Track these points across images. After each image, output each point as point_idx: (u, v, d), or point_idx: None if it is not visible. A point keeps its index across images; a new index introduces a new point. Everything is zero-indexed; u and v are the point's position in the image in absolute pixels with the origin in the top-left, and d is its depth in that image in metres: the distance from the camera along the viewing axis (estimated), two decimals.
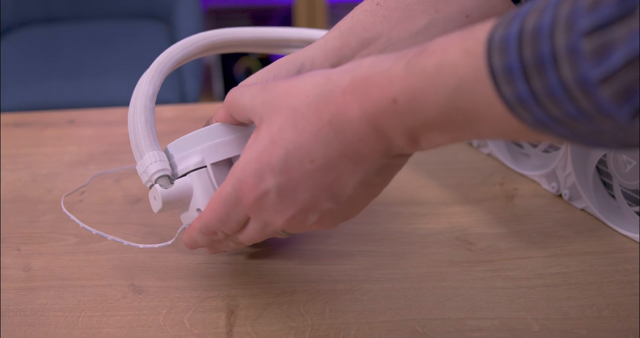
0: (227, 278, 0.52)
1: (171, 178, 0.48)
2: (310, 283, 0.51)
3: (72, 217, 0.52)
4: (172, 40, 1.79)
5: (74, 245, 0.57)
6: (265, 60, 2.16)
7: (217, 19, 2.33)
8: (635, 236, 0.54)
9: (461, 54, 0.34)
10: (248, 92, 0.45)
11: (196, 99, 1.65)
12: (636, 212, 0.55)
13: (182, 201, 0.48)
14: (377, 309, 0.48)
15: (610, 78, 0.28)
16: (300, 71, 0.48)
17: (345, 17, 0.49)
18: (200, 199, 0.48)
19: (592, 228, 0.57)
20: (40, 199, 0.63)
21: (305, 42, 0.63)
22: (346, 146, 0.39)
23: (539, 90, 0.30)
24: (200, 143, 0.48)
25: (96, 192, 0.63)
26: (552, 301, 0.49)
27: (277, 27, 0.63)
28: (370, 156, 0.40)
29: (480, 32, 0.33)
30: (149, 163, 0.47)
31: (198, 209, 0.48)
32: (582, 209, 0.59)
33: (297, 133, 0.40)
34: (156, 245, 0.49)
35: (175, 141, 0.49)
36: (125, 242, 0.49)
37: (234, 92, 0.46)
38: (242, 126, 0.48)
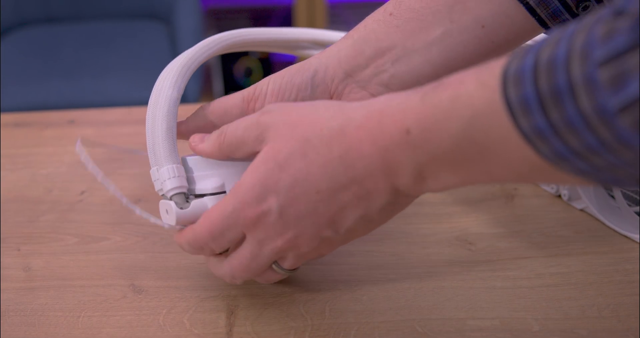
0: None
1: (187, 195, 0.47)
2: (310, 283, 0.51)
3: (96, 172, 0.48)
4: (172, 41, 1.79)
5: (74, 245, 0.57)
6: (265, 60, 2.16)
7: (217, 19, 2.33)
8: (635, 236, 0.54)
9: (476, 86, 0.34)
10: (241, 125, 0.44)
11: (196, 99, 1.65)
12: (636, 212, 0.55)
13: (193, 222, 0.46)
14: (377, 309, 0.48)
15: (629, 107, 0.28)
16: (313, 78, 0.48)
17: (357, 27, 0.49)
18: None
19: (592, 228, 0.57)
20: (40, 199, 0.63)
21: (317, 43, 0.63)
22: (353, 181, 0.40)
23: (557, 121, 0.30)
24: (222, 167, 0.47)
25: (96, 192, 0.63)
26: (552, 301, 0.49)
27: (290, 28, 0.63)
28: (375, 192, 0.40)
29: (496, 66, 0.33)
30: (167, 178, 0.46)
31: None
32: (581, 210, 0.59)
33: (307, 163, 0.40)
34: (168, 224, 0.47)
35: (197, 157, 0.48)
36: (152, 219, 0.47)
37: (225, 130, 0.45)
38: None
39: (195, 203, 0.46)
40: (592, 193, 0.58)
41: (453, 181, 0.37)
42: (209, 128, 0.49)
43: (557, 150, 0.31)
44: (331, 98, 0.49)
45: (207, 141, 0.47)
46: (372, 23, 0.48)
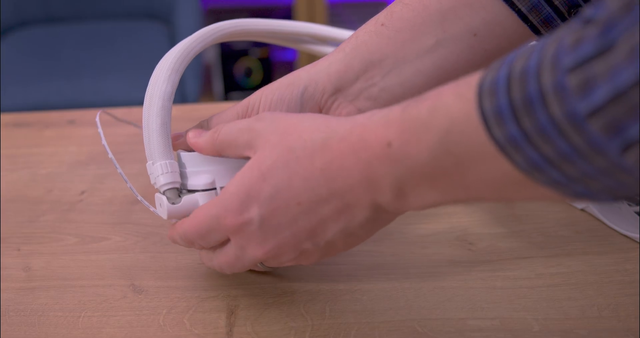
0: (227, 278, 0.52)
1: (180, 189, 0.48)
2: (310, 283, 0.51)
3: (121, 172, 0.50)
4: (172, 40, 1.79)
5: (74, 245, 0.57)
6: (265, 60, 2.16)
7: (217, 19, 2.32)
8: (635, 236, 0.54)
9: (454, 97, 0.34)
10: (236, 127, 0.45)
11: (196, 99, 1.65)
12: (636, 212, 0.55)
13: (185, 216, 0.48)
14: (377, 309, 0.48)
15: (597, 112, 0.28)
16: (303, 94, 0.48)
17: (349, 38, 0.49)
18: None
19: (592, 228, 0.57)
20: (40, 199, 0.63)
21: (310, 35, 0.63)
22: (334, 195, 0.40)
23: (529, 129, 0.30)
24: (215, 163, 0.48)
25: (96, 192, 0.63)
26: (552, 301, 0.49)
27: (283, 20, 0.63)
28: (356, 207, 0.40)
29: (473, 79, 0.33)
30: (160, 173, 0.47)
31: None
32: (582, 210, 0.59)
33: (289, 174, 0.40)
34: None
35: (192, 153, 0.49)
36: (152, 208, 0.50)
37: (220, 129, 0.46)
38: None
39: (186, 198, 0.47)
40: None
41: (433, 198, 0.37)
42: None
43: (531, 159, 0.31)
44: (320, 112, 0.49)
45: (202, 137, 0.47)
46: (364, 34, 0.48)
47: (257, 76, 2.17)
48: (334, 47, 0.73)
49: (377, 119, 0.38)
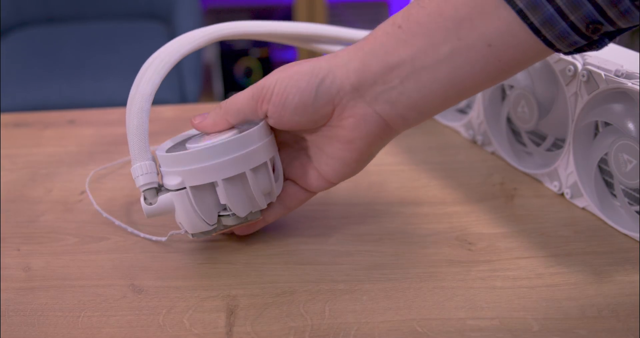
0: (227, 278, 0.52)
1: (158, 188, 0.51)
2: (310, 283, 0.51)
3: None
4: None
5: (73, 245, 0.57)
6: (265, 60, 2.16)
7: (217, 19, 2.33)
8: (635, 235, 0.54)
9: None
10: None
11: (196, 99, 1.65)
12: (636, 211, 0.55)
13: (166, 214, 0.51)
14: (377, 309, 0.48)
15: None
16: (319, 86, 0.48)
17: (367, 37, 0.48)
18: (180, 215, 0.51)
19: (593, 228, 0.57)
20: (40, 199, 0.63)
21: (275, 36, 0.64)
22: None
23: None
24: (184, 164, 0.49)
25: (96, 192, 0.63)
26: (552, 301, 0.49)
27: (268, 21, 0.63)
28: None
29: None
30: (138, 174, 0.51)
31: (180, 223, 0.51)
32: (583, 209, 0.59)
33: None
34: (154, 238, 0.54)
35: (168, 154, 0.50)
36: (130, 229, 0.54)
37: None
38: (226, 151, 0.49)
39: (161, 198, 0.50)
40: (594, 192, 0.58)
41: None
42: (224, 124, 0.52)
43: None
44: (334, 109, 0.49)
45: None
46: (382, 35, 0.47)
47: (257, 76, 2.18)
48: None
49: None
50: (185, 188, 0.50)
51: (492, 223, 0.58)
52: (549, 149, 0.63)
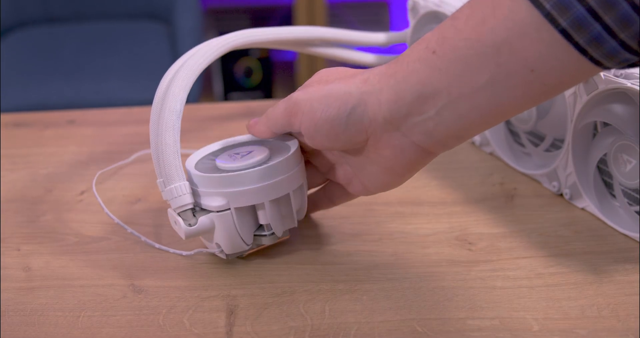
0: (227, 278, 0.52)
1: (195, 210, 0.50)
2: (310, 283, 0.51)
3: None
4: (172, 41, 1.79)
5: (73, 245, 0.57)
6: (265, 59, 2.16)
7: (217, 19, 2.33)
8: (635, 235, 0.54)
9: None
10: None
11: (196, 99, 1.65)
12: (636, 211, 0.55)
13: (203, 235, 0.51)
14: (377, 309, 0.49)
15: None
16: (349, 115, 0.46)
17: (399, 60, 0.45)
18: (220, 236, 0.50)
19: (592, 228, 0.57)
20: (40, 199, 0.63)
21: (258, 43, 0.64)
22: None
23: None
24: (230, 186, 0.49)
25: (96, 192, 0.63)
26: (552, 301, 0.49)
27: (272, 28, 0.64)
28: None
29: None
30: (175, 196, 0.49)
31: (217, 244, 0.51)
32: (582, 209, 0.59)
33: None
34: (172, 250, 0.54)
35: (213, 175, 0.49)
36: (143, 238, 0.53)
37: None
38: (273, 173, 0.49)
39: (202, 220, 0.49)
40: (594, 192, 0.58)
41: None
42: (268, 133, 0.53)
43: None
44: (368, 138, 0.47)
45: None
46: (415, 62, 0.44)
47: (257, 76, 2.17)
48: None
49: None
50: (229, 209, 0.49)
51: (492, 223, 0.58)
52: (547, 150, 0.63)
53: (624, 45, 0.38)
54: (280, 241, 0.54)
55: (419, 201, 0.61)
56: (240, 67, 2.17)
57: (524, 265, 0.53)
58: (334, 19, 2.29)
